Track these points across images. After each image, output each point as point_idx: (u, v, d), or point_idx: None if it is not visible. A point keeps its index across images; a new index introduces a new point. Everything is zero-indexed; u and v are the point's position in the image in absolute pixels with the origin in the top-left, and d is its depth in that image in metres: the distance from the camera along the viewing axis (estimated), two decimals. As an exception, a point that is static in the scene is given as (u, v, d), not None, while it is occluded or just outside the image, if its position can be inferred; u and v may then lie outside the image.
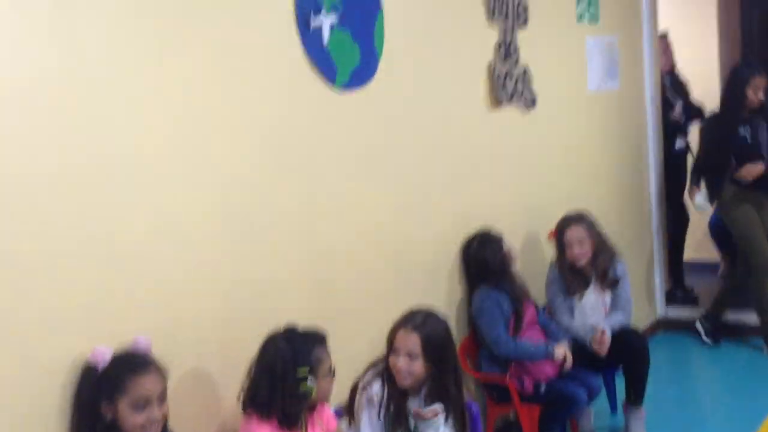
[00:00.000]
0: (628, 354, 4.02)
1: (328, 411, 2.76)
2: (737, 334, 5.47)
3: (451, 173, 3.85)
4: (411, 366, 2.80)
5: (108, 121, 2.40)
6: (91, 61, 2.36)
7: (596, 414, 4.11)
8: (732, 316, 5.53)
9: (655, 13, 5.79)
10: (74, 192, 2.31)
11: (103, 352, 2.27)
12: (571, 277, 4.10)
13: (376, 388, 2.84)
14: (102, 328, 2.36)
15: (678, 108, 5.99)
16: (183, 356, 2.58)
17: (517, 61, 4.26)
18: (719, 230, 6.61)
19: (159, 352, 2.38)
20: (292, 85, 3.02)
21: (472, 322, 3.87)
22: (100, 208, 2.37)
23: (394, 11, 3.45)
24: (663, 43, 6.04)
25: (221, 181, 2.75)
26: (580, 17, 4.90)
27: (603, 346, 3.93)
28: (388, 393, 2.83)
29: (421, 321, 2.85)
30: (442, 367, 2.84)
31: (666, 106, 5.92)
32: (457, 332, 3.63)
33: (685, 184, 6.20)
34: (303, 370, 2.52)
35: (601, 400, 4.10)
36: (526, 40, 4.32)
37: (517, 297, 3.81)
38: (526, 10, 4.32)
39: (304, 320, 2.70)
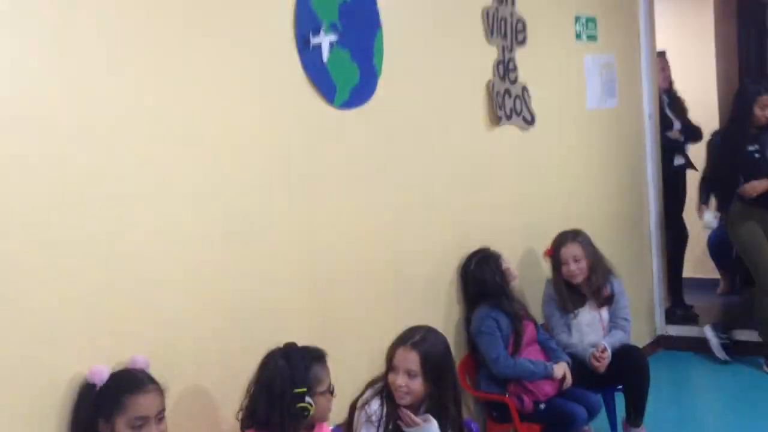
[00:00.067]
0: (629, 372, 4.01)
1: (326, 429, 2.74)
2: (737, 351, 5.45)
3: (450, 191, 3.85)
4: (410, 384, 2.79)
5: (108, 136, 2.41)
6: (94, 75, 2.37)
7: (596, 432, 4.10)
8: (729, 333, 5.52)
9: (653, 31, 5.81)
10: (73, 207, 2.31)
11: (101, 371, 2.27)
12: (566, 294, 4.10)
13: (375, 406, 2.83)
14: (100, 345, 2.35)
15: (677, 126, 6.01)
16: (182, 374, 2.58)
17: (515, 80, 4.27)
18: (718, 248, 6.62)
19: (158, 369, 2.37)
20: (292, 103, 3.03)
21: (472, 341, 3.86)
22: (99, 223, 2.38)
23: (394, 30, 3.46)
24: (661, 61, 6.07)
25: (221, 197, 2.75)
26: (578, 36, 4.92)
27: (602, 363, 3.93)
28: (387, 411, 2.82)
29: (420, 339, 2.84)
30: (442, 385, 2.83)
31: (664, 123, 5.93)
32: (456, 350, 3.62)
33: (684, 201, 6.21)
34: (301, 389, 2.52)
35: (601, 419, 4.08)
36: (524, 58, 4.33)
37: (517, 316, 3.80)
38: (524, 29, 4.34)
39: (303, 338, 2.69)
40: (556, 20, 4.74)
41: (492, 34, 4.11)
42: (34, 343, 2.21)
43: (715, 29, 7.10)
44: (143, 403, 2.25)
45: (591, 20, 5.05)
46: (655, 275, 5.86)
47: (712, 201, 6.00)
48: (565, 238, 4.16)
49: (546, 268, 4.35)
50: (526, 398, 3.69)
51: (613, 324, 4.14)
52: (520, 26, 4.31)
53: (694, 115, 6.24)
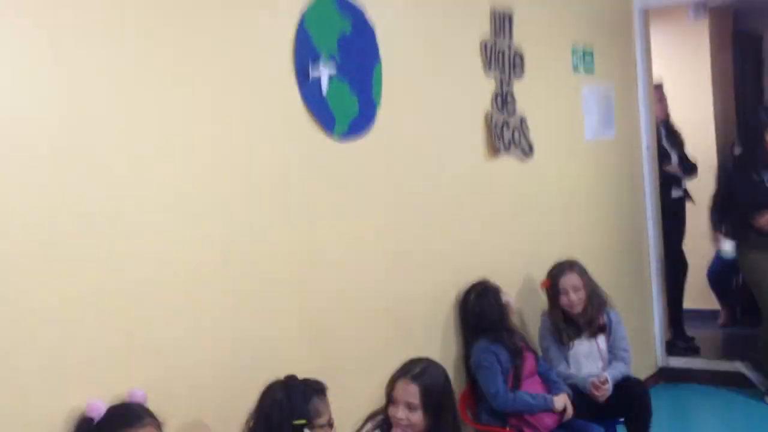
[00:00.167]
0: (630, 404, 3.98)
1: (326, 463, 2.72)
2: (737, 383, 5.42)
3: (449, 221, 3.85)
4: (410, 417, 2.77)
5: (107, 170, 2.41)
6: (92, 112, 2.37)
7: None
8: (731, 365, 5.49)
9: (650, 62, 5.85)
10: (72, 241, 2.31)
11: (99, 406, 2.25)
12: (563, 326, 4.08)
13: (375, 439, 2.81)
14: (99, 380, 2.33)
15: (675, 160, 6.03)
16: (181, 408, 2.55)
17: (514, 111, 4.29)
18: (718, 278, 6.61)
19: (156, 403, 2.35)
20: (291, 134, 3.04)
21: (472, 375, 3.83)
22: (97, 258, 2.37)
23: (393, 62, 3.48)
24: (658, 92, 6.10)
25: (221, 232, 2.75)
26: (575, 67, 4.96)
27: (602, 392, 3.90)
28: (388, 445, 2.80)
29: (420, 371, 2.83)
30: (442, 418, 2.81)
31: (661, 156, 5.95)
32: (456, 383, 3.59)
33: (683, 233, 6.21)
34: (300, 422, 2.49)
35: (603, 452, 4.05)
36: (522, 90, 4.36)
37: (516, 349, 3.78)
38: (522, 61, 4.36)
39: (303, 370, 2.67)
40: (554, 52, 4.77)
41: (490, 66, 4.13)
42: (29, 378, 2.19)
43: (711, 61, 7.15)
44: (141, 438, 2.23)
45: (588, 52, 5.08)
46: (655, 307, 5.84)
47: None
48: (562, 268, 4.15)
49: (545, 298, 4.33)
50: (527, 431, 3.66)
51: (614, 355, 4.12)
52: (517, 58, 4.33)
53: (691, 147, 6.27)
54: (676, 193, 6.06)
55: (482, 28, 4.11)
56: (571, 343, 4.07)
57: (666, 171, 5.94)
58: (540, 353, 4.13)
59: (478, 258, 4.02)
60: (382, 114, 3.43)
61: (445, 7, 3.86)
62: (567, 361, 4.07)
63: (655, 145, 5.87)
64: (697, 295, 6.75)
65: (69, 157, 2.31)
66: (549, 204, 4.65)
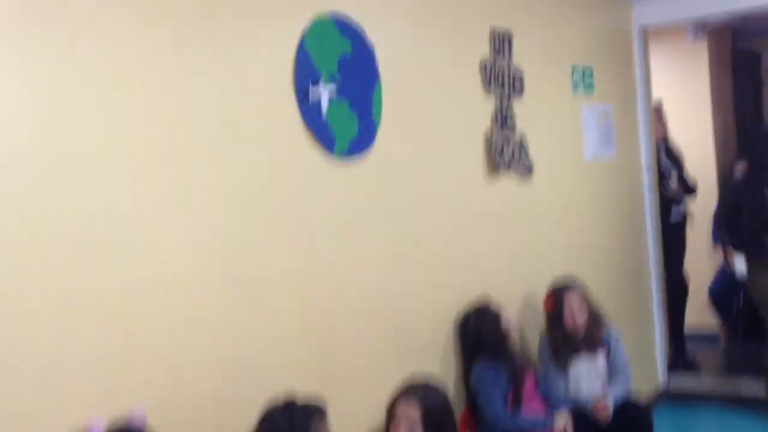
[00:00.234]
0: (631, 425, 3.96)
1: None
2: (739, 402, 5.39)
3: (449, 239, 3.85)
4: (411, 437, 2.76)
5: (106, 185, 2.41)
6: (91, 127, 2.38)
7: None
8: (733, 386, 5.47)
9: (649, 82, 5.88)
10: (69, 256, 2.30)
11: (97, 425, 2.24)
12: (562, 346, 4.06)
13: (376, 460, 2.80)
14: (97, 397, 2.32)
15: (674, 179, 6.03)
16: (180, 428, 2.54)
17: (513, 130, 4.30)
18: (719, 298, 6.60)
19: (155, 423, 2.34)
20: (291, 153, 3.04)
21: (471, 395, 3.81)
22: (95, 274, 2.36)
23: (392, 82, 3.49)
24: (657, 112, 6.12)
25: (220, 249, 2.75)
26: (575, 86, 4.97)
27: (603, 412, 3.88)
28: (388, 465, 2.79)
29: (421, 391, 2.82)
30: (443, 438, 2.80)
31: (660, 174, 5.96)
32: (456, 402, 3.58)
33: (684, 252, 6.21)
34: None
35: (605, 472, 4.02)
36: (522, 109, 4.37)
37: (516, 369, 3.76)
38: (521, 80, 4.38)
39: (303, 391, 2.66)
40: (553, 72, 4.79)
41: (490, 84, 4.15)
42: (29, 396, 2.18)
43: (710, 80, 7.18)
44: (140, 459, 2.22)
45: (588, 71, 5.10)
46: (656, 326, 5.83)
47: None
48: (565, 286, 4.14)
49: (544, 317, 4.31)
50: (528, 452, 3.65)
51: (614, 374, 4.10)
52: (517, 77, 4.35)
53: (691, 166, 6.29)
54: (676, 213, 6.06)
55: (482, 47, 4.13)
56: (571, 363, 4.06)
57: (666, 192, 5.94)
58: (539, 372, 4.12)
59: (478, 276, 4.01)
60: (382, 133, 3.44)
61: (444, 27, 3.88)
62: (567, 380, 4.06)
63: (656, 164, 5.88)
64: (698, 314, 6.75)
65: (68, 161, 2.31)
66: (549, 223, 4.65)
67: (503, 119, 4.22)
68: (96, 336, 2.35)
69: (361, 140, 3.34)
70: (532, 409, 3.74)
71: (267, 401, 2.58)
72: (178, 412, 2.56)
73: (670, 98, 6.70)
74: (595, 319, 4.11)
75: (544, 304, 4.21)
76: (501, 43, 4.24)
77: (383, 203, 3.47)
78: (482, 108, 4.13)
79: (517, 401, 3.71)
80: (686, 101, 7.08)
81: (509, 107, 4.28)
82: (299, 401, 2.59)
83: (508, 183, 4.29)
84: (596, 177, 5.19)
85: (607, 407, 3.90)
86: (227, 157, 2.79)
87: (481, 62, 4.10)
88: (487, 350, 3.77)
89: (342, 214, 3.26)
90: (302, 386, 2.77)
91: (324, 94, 3.14)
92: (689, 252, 6.26)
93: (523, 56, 4.39)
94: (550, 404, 3.82)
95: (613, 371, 4.10)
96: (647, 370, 5.66)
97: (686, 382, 5.80)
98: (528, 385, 3.79)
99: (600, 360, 4.10)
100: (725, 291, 6.52)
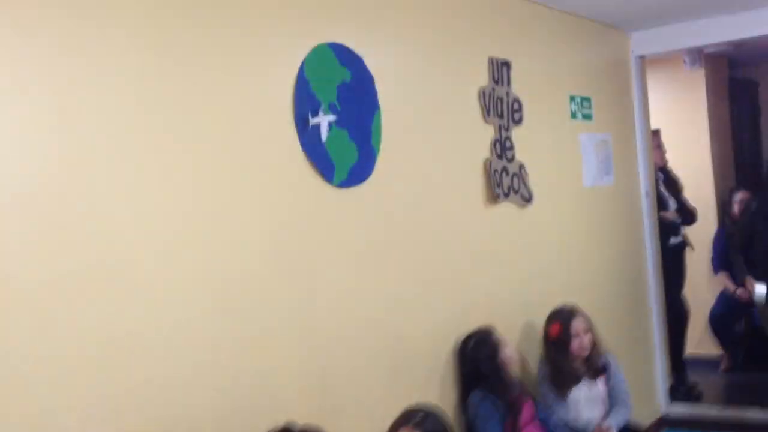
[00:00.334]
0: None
1: None
2: (741, 429, 5.37)
3: (448, 268, 3.85)
4: (411, 465, 2.74)
5: (106, 220, 2.42)
6: (91, 161, 2.39)
7: None
8: (735, 411, 5.44)
9: (647, 109, 5.91)
10: (70, 290, 2.30)
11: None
12: (564, 373, 4.04)
13: (376, 488, 2.78)
14: (94, 420, 2.32)
15: (672, 205, 6.04)
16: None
17: (512, 158, 4.32)
18: (720, 324, 6.58)
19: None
20: (291, 181, 3.05)
21: (470, 424, 3.79)
22: (96, 304, 2.36)
23: (392, 110, 3.51)
24: (655, 138, 6.14)
25: (220, 277, 2.75)
26: (573, 115, 5.00)
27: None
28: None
29: (421, 419, 2.81)
30: (443, 467, 2.78)
31: (659, 201, 5.97)
32: (456, 430, 3.56)
33: (683, 279, 6.20)
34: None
35: (607, 501, 4.00)
36: (521, 137, 4.39)
37: (514, 398, 3.74)
38: (520, 108, 4.40)
39: (301, 418, 2.65)
40: (552, 100, 4.82)
41: (489, 113, 4.17)
42: (26, 425, 2.17)
43: (708, 108, 7.22)
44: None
45: (586, 100, 5.13)
46: (656, 353, 5.81)
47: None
48: (570, 312, 4.13)
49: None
50: (528, 480, 3.63)
51: (614, 401, 4.09)
52: (516, 106, 4.37)
53: (690, 193, 6.30)
54: (674, 240, 6.06)
55: (481, 75, 4.16)
56: (571, 389, 4.04)
57: (664, 219, 5.95)
58: (539, 399, 4.10)
59: (477, 304, 4.01)
60: (382, 161, 3.45)
61: (444, 55, 3.91)
62: (567, 407, 4.04)
63: (654, 192, 5.90)
64: (699, 341, 6.73)
65: (67, 201, 2.33)
66: (549, 250, 4.66)
67: (502, 148, 4.24)
68: (94, 365, 2.35)
69: (361, 169, 3.35)
70: (531, 437, 3.72)
71: (265, 428, 2.57)
72: (178, 440, 2.55)
73: (668, 126, 6.73)
74: (595, 346, 4.11)
75: (547, 330, 4.18)
76: (500, 70, 4.27)
77: (382, 232, 3.48)
78: (481, 137, 4.15)
79: (515, 430, 3.69)
80: (684, 129, 7.11)
81: (508, 135, 4.30)
82: (298, 429, 2.59)
83: (507, 210, 4.30)
84: (596, 204, 5.20)
85: (608, 435, 3.89)
86: (227, 186, 2.80)
87: (479, 90, 4.13)
88: (485, 379, 3.75)
89: (341, 242, 3.26)
90: (302, 415, 2.76)
91: (323, 121, 3.16)
92: (688, 279, 6.25)
93: (521, 86, 4.42)
94: (550, 430, 3.80)
95: (613, 398, 4.09)
96: (648, 396, 5.64)
97: (687, 409, 5.77)
98: (525, 414, 3.77)
99: (600, 386, 4.08)
100: (725, 316, 6.51)
